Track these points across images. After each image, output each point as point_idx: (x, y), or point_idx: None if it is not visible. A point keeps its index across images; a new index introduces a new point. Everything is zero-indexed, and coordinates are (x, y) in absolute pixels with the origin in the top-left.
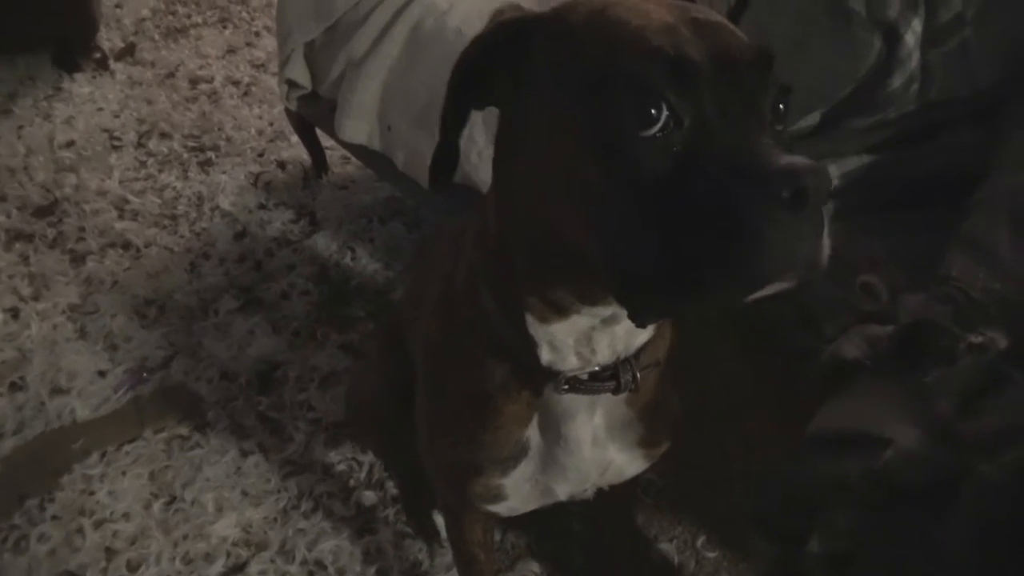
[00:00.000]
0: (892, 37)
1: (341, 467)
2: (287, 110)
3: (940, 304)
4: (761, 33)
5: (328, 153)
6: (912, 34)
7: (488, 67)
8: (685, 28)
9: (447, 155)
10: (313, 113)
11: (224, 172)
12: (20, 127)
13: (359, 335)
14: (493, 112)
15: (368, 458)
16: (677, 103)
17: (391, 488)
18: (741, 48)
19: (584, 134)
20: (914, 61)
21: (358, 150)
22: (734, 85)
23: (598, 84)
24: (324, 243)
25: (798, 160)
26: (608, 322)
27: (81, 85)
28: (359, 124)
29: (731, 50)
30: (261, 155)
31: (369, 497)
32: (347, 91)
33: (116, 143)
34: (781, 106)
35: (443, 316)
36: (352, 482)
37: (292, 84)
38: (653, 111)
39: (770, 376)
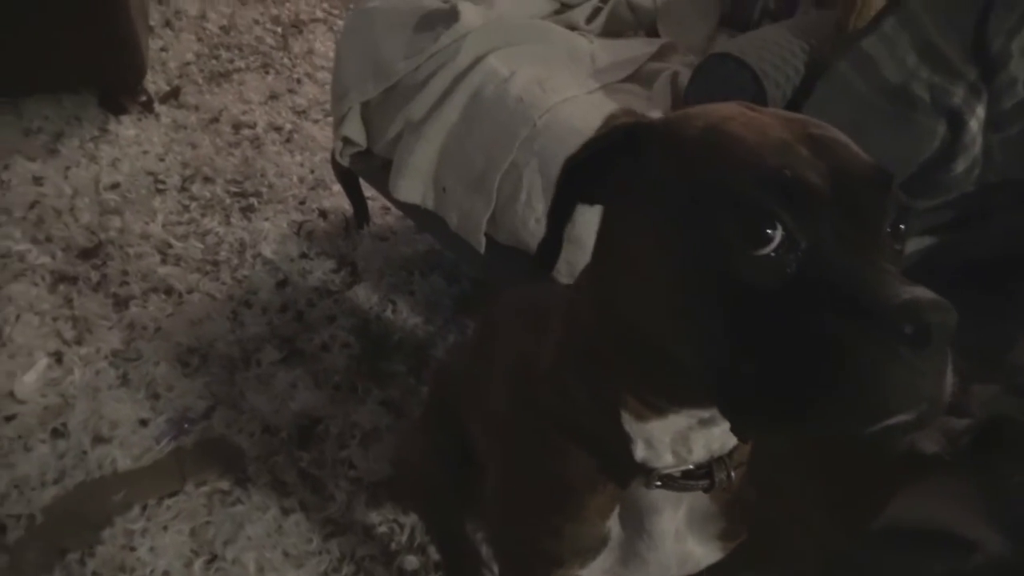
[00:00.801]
0: (956, 123)
1: (383, 529)
2: (333, 161)
3: (1015, 397)
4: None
5: (369, 203)
6: (976, 120)
7: (597, 167)
8: (803, 146)
9: (551, 247)
10: (366, 170)
11: (266, 219)
12: (67, 168)
13: (400, 391)
14: (549, 176)
15: (410, 520)
16: (794, 225)
17: (433, 554)
18: (860, 167)
19: (693, 248)
20: (977, 146)
21: (409, 207)
22: (853, 207)
23: (712, 200)
24: (365, 295)
25: (921, 294)
26: (706, 423)
27: (127, 127)
28: (414, 184)
29: (850, 170)
30: (303, 203)
31: (411, 562)
32: (404, 152)
33: (160, 186)
34: (902, 226)
35: (521, 399)
36: (394, 545)
37: (347, 141)
38: (768, 231)
39: (833, 459)
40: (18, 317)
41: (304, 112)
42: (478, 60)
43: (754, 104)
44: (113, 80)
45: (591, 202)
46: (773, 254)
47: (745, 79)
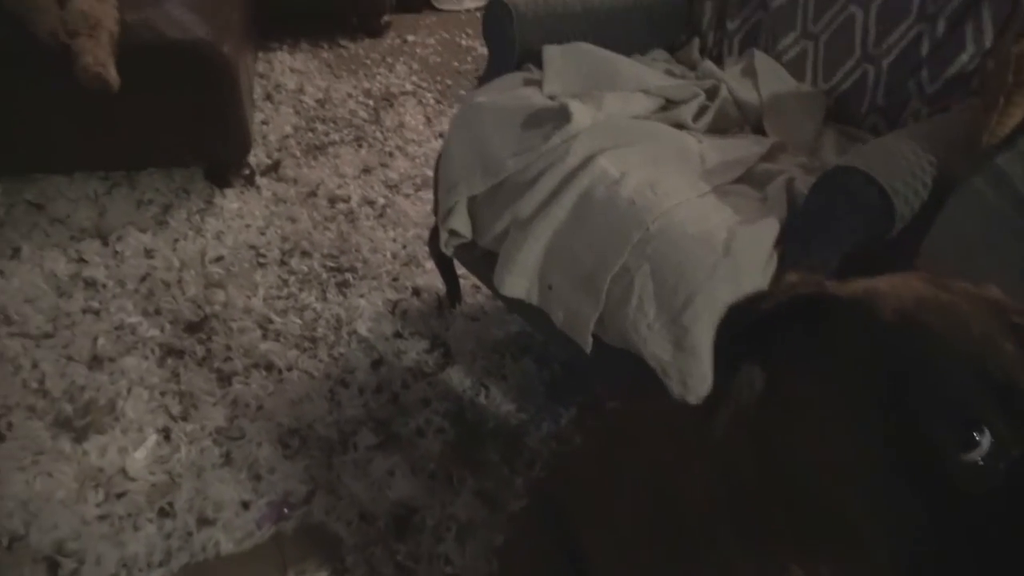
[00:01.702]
0: None
1: None
2: (430, 242)
3: None
4: (955, 235)
5: (460, 280)
6: None
7: (767, 324)
8: (1009, 342)
9: (721, 397)
10: (469, 260)
11: (361, 296)
12: (175, 240)
13: (494, 481)
14: (662, 282)
15: None
16: (1005, 433)
17: None
18: None
19: (891, 437)
20: None
21: (512, 300)
22: None
23: (913, 397)
24: (458, 378)
25: None
26: None
27: (231, 201)
28: (519, 280)
29: None
30: (396, 279)
31: None
32: (511, 248)
33: (261, 260)
34: None
35: (664, 532)
36: None
37: (452, 233)
38: (976, 436)
39: None
40: (130, 390)
41: (396, 186)
42: (588, 160)
43: (932, 275)
44: (220, 156)
45: (756, 358)
46: (981, 461)
47: (872, 195)
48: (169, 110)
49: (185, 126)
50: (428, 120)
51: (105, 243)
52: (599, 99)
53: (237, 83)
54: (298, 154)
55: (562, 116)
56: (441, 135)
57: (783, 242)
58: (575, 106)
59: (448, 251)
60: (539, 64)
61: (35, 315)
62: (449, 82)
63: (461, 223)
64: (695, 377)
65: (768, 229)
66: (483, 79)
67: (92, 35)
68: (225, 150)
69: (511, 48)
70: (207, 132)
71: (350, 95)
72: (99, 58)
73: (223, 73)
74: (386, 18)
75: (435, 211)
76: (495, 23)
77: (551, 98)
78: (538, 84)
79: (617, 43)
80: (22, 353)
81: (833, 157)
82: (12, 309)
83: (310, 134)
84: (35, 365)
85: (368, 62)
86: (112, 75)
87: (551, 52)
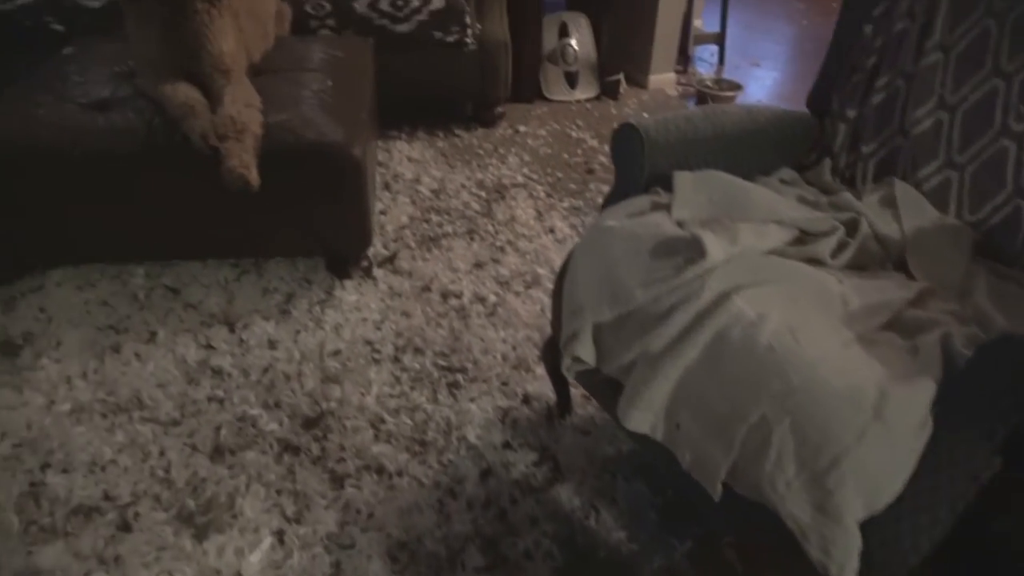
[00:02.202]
0: None
1: None
2: (544, 353)
3: None
4: None
5: (571, 389)
6: None
7: None
8: None
9: None
10: (590, 385)
11: (471, 400)
12: (297, 332)
13: None
14: (805, 439)
15: None
16: None
17: None
18: None
19: None
20: None
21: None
22: None
23: None
24: (567, 496)
25: None
26: None
27: (349, 293)
28: (645, 416)
29: None
30: (505, 383)
31: None
32: (638, 383)
33: (376, 355)
34: None
35: None
36: None
37: (576, 359)
38: None
39: None
40: (248, 486)
41: (507, 283)
42: (723, 297)
43: None
44: (343, 248)
45: None
46: None
47: None
48: (299, 205)
49: (313, 220)
50: (539, 214)
51: (232, 330)
52: (733, 232)
53: (364, 183)
54: (413, 245)
55: (695, 248)
56: (552, 230)
57: (939, 405)
58: (709, 239)
59: (570, 375)
60: (667, 187)
61: (165, 401)
62: (559, 175)
63: (585, 350)
64: (839, 547)
65: (923, 391)
66: (609, 199)
67: (239, 138)
68: (347, 243)
69: (640, 171)
70: (333, 226)
71: (463, 186)
72: (244, 161)
73: (352, 174)
74: (500, 109)
75: (553, 326)
76: (625, 146)
77: (679, 224)
78: (666, 208)
79: (745, 164)
80: (151, 440)
81: (987, 303)
82: (145, 393)
83: (425, 225)
84: (162, 453)
85: (481, 152)
86: (254, 176)
87: (682, 178)
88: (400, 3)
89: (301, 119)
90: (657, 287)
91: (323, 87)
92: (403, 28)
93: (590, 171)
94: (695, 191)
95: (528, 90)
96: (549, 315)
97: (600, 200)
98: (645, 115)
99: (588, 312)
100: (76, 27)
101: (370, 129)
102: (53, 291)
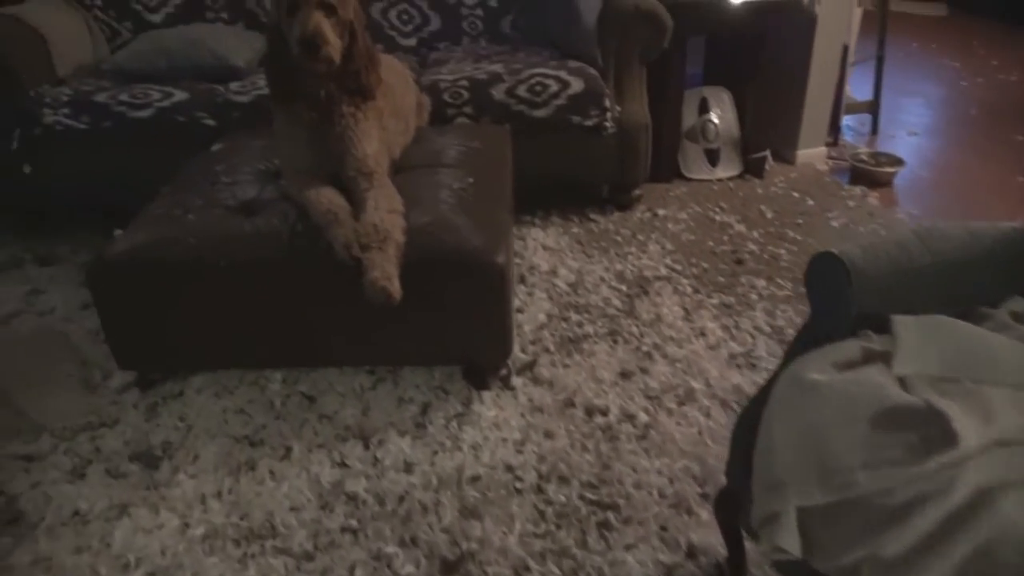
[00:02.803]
0: None
1: None
2: (717, 507)
3: None
4: None
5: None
6: None
7: None
8: None
9: None
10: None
11: (627, 547)
12: (434, 452)
13: None
14: None
15: None
16: None
17: None
18: None
19: None
20: None
21: None
22: None
23: None
24: None
25: None
26: None
27: (488, 407)
28: None
29: None
30: (664, 528)
31: None
32: None
33: (518, 484)
34: None
35: None
36: None
37: (776, 547)
38: None
39: None
40: None
41: (657, 398)
42: (983, 497)
43: None
44: (482, 358)
45: None
46: None
47: None
48: (439, 313)
49: (452, 329)
50: (686, 312)
51: (367, 446)
52: (983, 401)
53: (508, 292)
54: (552, 348)
55: (936, 425)
56: (703, 333)
57: None
58: (955, 414)
59: (766, 559)
60: (878, 328)
61: (299, 529)
62: (705, 265)
63: (789, 539)
64: None
65: None
66: (804, 339)
67: (382, 248)
68: (487, 354)
69: (845, 310)
70: (472, 336)
71: (603, 279)
72: (386, 272)
73: (496, 282)
74: (637, 191)
75: (728, 475)
76: (826, 279)
77: (902, 381)
78: (883, 359)
79: (967, 294)
80: None
81: None
82: (279, 518)
83: (563, 324)
84: None
85: (619, 239)
86: (396, 288)
87: (903, 325)
88: (538, 88)
89: (442, 223)
90: (887, 473)
91: (463, 184)
92: (540, 113)
93: (739, 261)
94: (922, 342)
95: (666, 169)
96: (708, 441)
97: (754, 296)
98: (833, 223)
99: (791, 491)
100: (226, 121)
101: (511, 227)
102: (193, 398)
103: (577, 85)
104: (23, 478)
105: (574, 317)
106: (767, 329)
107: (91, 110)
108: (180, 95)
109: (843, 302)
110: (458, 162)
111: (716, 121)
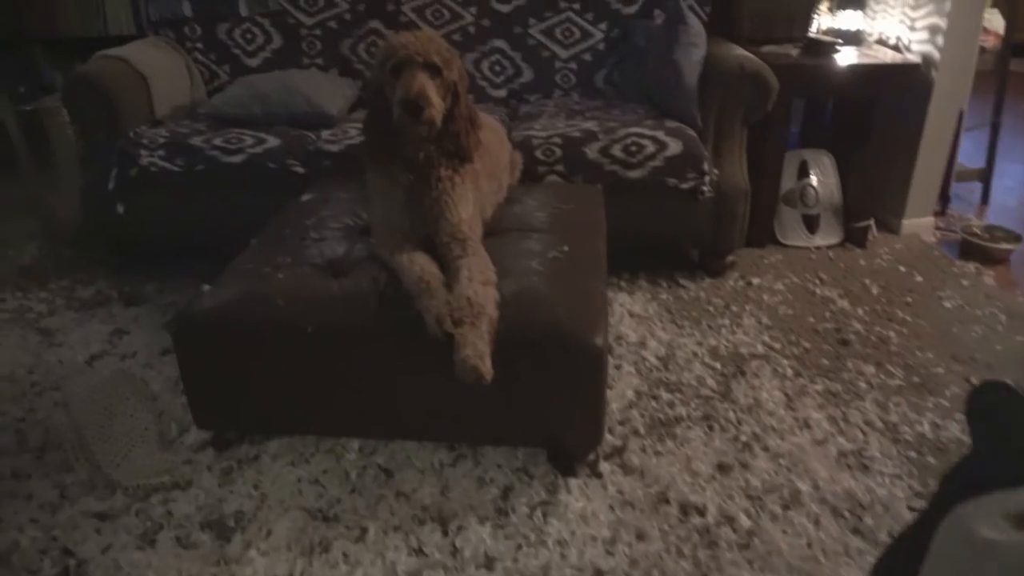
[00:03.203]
0: None
1: None
2: None
3: None
4: None
5: None
6: None
7: None
8: None
9: None
10: None
11: None
12: (517, 547)
13: None
14: None
15: None
16: None
17: None
18: None
19: None
20: None
21: None
22: None
23: None
24: None
25: None
26: None
27: (575, 496)
28: None
29: None
30: None
31: None
32: None
33: None
34: None
35: None
36: None
37: None
38: None
39: None
40: None
41: (759, 499)
42: None
43: None
44: (570, 442)
45: None
46: None
47: None
48: (528, 393)
49: (540, 410)
50: (788, 399)
51: (445, 532)
52: None
53: (603, 375)
54: (642, 430)
55: None
56: (807, 424)
57: None
58: None
59: None
60: None
61: None
62: (806, 344)
63: None
64: None
65: None
66: (962, 481)
67: (475, 324)
68: (576, 439)
69: (1020, 451)
70: (562, 419)
71: (695, 354)
72: (478, 350)
73: (592, 365)
74: (731, 258)
75: None
76: (995, 413)
77: None
78: None
79: None
80: None
81: None
82: None
83: (654, 403)
84: None
85: (711, 309)
86: (487, 368)
87: None
88: (634, 148)
89: (535, 296)
90: None
91: (558, 252)
92: (635, 174)
93: (844, 342)
94: None
95: (760, 234)
96: (820, 557)
97: (862, 384)
98: (946, 303)
99: None
100: (316, 169)
101: (607, 303)
102: (268, 464)
103: (675, 146)
104: (94, 540)
105: (665, 396)
106: (879, 424)
107: (186, 153)
108: (272, 141)
109: (1018, 441)
110: (551, 226)
111: (816, 186)
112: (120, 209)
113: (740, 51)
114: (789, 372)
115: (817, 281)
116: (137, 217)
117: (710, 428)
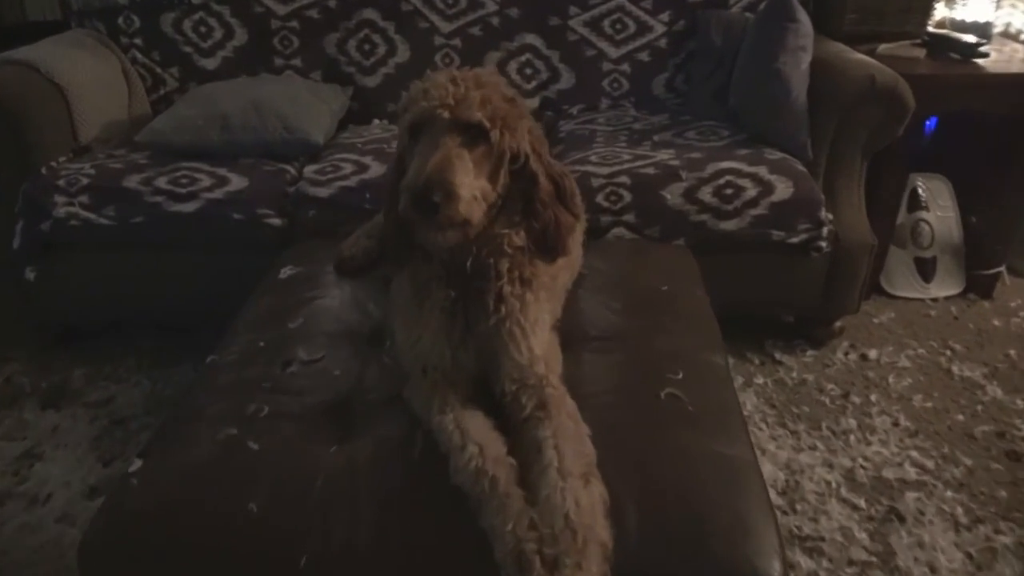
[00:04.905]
0: None
1: None
2: None
3: None
4: None
5: None
6: None
7: None
8: None
9: None
10: None
11: None
12: None
13: None
14: None
15: None
16: None
17: None
18: None
19: None
20: None
21: None
22: None
23: None
24: None
25: None
26: None
27: None
28: None
29: None
30: None
31: None
32: None
33: None
34: None
35: None
36: None
37: None
38: None
39: None
40: None
41: None
42: None
43: None
44: None
45: None
46: None
47: None
48: None
49: None
50: (969, 559)
51: None
52: None
53: None
54: None
55: None
56: None
57: None
58: None
59: None
60: None
61: None
62: (967, 462)
63: None
64: None
65: None
66: None
67: (581, 566)
68: None
69: None
70: None
71: (826, 482)
72: None
73: None
74: (839, 323)
75: None
76: None
77: None
78: None
79: None
80: None
81: None
82: None
83: (791, 573)
84: None
85: (826, 401)
86: None
87: None
88: (729, 192)
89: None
90: None
91: (673, 389)
92: (729, 225)
93: (1014, 456)
94: None
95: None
96: None
97: None
98: None
99: None
100: (298, 221)
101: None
102: None
103: (783, 189)
104: None
105: (805, 565)
106: None
107: (118, 199)
108: (238, 181)
109: None
110: (643, 330)
111: (931, 222)
112: (30, 275)
113: (856, 55)
114: (959, 511)
115: (949, 353)
116: (54, 286)
117: None
